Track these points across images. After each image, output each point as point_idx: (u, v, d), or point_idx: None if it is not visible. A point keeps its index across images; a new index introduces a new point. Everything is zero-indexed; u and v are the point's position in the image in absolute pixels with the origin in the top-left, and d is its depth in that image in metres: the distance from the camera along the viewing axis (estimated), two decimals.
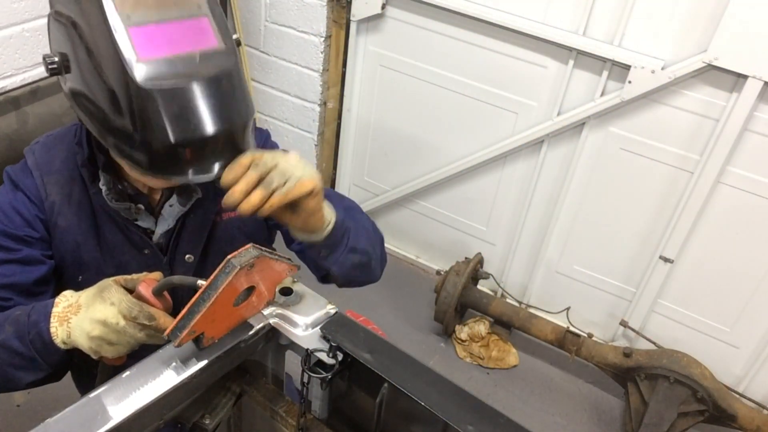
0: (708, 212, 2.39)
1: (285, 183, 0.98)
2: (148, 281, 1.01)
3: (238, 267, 0.92)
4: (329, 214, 1.11)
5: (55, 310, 1.00)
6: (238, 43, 1.04)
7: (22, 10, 2.13)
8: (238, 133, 1.00)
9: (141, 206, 1.21)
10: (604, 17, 2.29)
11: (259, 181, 0.96)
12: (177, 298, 1.06)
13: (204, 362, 0.97)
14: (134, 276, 1.03)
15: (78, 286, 1.17)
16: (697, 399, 2.32)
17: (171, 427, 1.07)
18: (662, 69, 2.22)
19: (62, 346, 0.99)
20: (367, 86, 2.94)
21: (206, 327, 0.94)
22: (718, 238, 2.42)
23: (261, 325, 1.04)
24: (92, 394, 0.90)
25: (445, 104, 2.76)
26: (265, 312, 1.06)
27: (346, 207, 1.23)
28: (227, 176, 0.96)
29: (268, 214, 0.98)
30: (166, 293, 1.02)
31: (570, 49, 2.37)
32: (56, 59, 1.00)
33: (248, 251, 0.95)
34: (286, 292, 1.09)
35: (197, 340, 0.96)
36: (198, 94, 0.94)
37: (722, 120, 2.21)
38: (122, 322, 0.95)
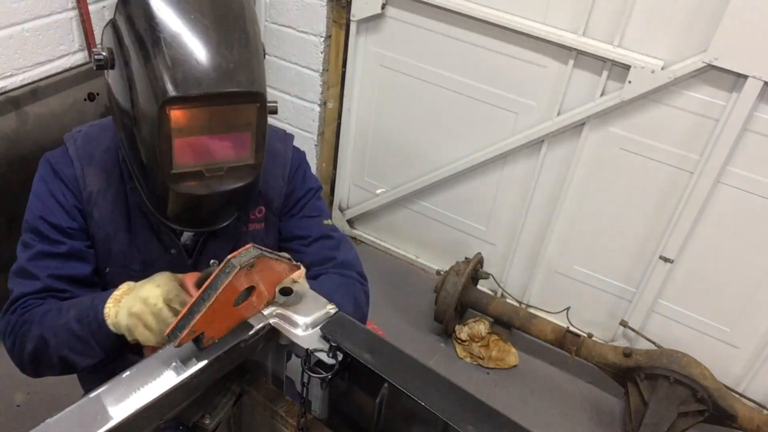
0: (708, 212, 2.39)
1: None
2: (194, 274, 1.12)
3: (238, 267, 0.92)
4: None
5: (115, 293, 1.11)
6: (274, 111, 1.13)
7: (22, 10, 2.13)
8: (242, 210, 1.20)
9: None
10: (604, 17, 2.29)
11: None
12: None
13: (204, 362, 0.97)
14: (188, 274, 1.14)
15: (104, 277, 1.29)
16: (697, 399, 2.32)
17: (171, 427, 1.07)
18: (662, 69, 2.22)
19: (112, 329, 1.08)
20: (367, 86, 2.94)
21: (206, 327, 0.95)
22: (718, 238, 2.42)
23: (261, 325, 1.04)
24: (92, 394, 0.90)
25: (445, 104, 2.76)
26: (265, 312, 1.06)
27: (337, 271, 1.36)
28: None
29: None
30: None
31: (570, 49, 2.37)
32: (104, 54, 1.10)
33: (248, 251, 0.96)
34: (286, 292, 1.09)
35: (197, 340, 0.96)
36: (212, 201, 1.11)
37: (722, 120, 2.21)
38: (160, 304, 1.03)
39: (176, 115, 1.00)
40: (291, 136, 1.44)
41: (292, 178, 1.40)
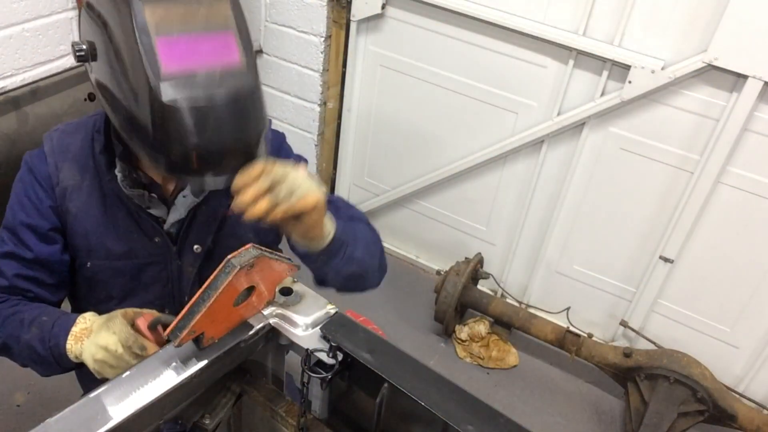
0: (708, 212, 2.39)
1: (291, 196, 1.02)
2: (146, 316, 1.11)
3: (238, 267, 0.92)
4: (330, 227, 1.16)
5: (74, 329, 1.12)
6: (259, 50, 1.09)
7: (22, 10, 2.13)
8: (252, 145, 1.04)
9: (154, 195, 1.24)
10: (604, 17, 2.29)
11: (268, 191, 1.01)
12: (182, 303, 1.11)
13: (204, 362, 0.97)
14: (136, 310, 1.13)
15: (86, 272, 1.29)
16: (697, 399, 2.32)
17: (171, 428, 1.07)
18: (662, 69, 2.22)
19: (75, 360, 1.12)
20: (367, 86, 2.94)
21: (206, 327, 0.95)
22: (718, 238, 2.42)
23: (261, 325, 1.04)
24: (92, 394, 0.90)
25: (445, 104, 2.76)
26: (265, 312, 1.07)
27: (350, 217, 1.29)
28: (238, 182, 1.01)
29: (272, 221, 1.02)
30: (159, 328, 1.08)
31: (570, 49, 2.37)
32: (84, 47, 1.06)
33: (248, 251, 0.96)
34: (286, 292, 1.10)
35: (197, 340, 0.96)
36: (216, 112, 0.98)
37: (722, 120, 2.21)
38: (120, 350, 1.04)
39: (151, 11, 0.97)
40: (268, 120, 1.41)
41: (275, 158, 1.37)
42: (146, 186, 1.24)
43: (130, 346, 1.05)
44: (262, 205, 1.00)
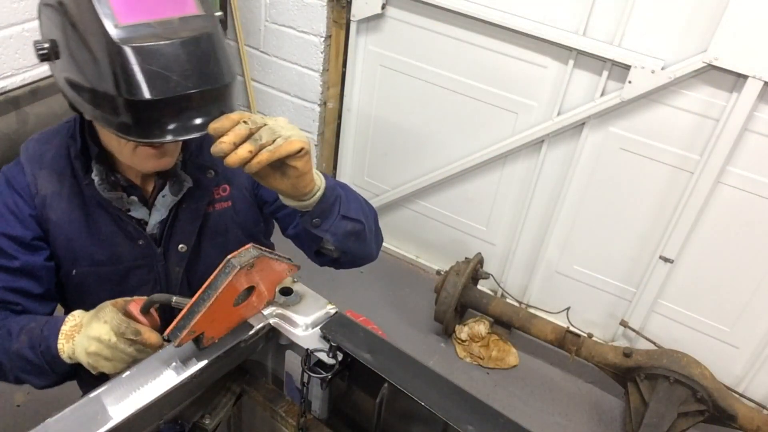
0: (708, 212, 2.39)
1: (274, 141, 0.98)
2: (137, 301, 1.08)
3: (238, 267, 0.92)
4: (318, 180, 1.12)
5: (63, 327, 1.09)
6: (222, 21, 1.07)
7: (22, 10, 2.13)
8: (219, 93, 1.01)
9: (134, 197, 1.23)
10: (604, 17, 2.29)
11: (248, 137, 0.97)
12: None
13: (204, 362, 0.97)
14: (127, 299, 1.10)
15: (73, 280, 1.27)
16: (697, 399, 2.32)
17: (171, 428, 1.07)
18: (662, 69, 2.22)
19: (68, 361, 1.09)
20: (367, 86, 2.94)
21: (206, 327, 0.95)
22: (718, 238, 2.42)
23: (261, 325, 1.04)
24: (92, 394, 0.90)
25: (445, 104, 2.76)
26: (265, 312, 1.06)
27: (336, 182, 1.24)
28: (215, 125, 0.97)
29: (256, 170, 0.98)
30: (153, 311, 1.07)
31: (570, 49, 2.37)
32: (46, 45, 1.04)
33: (248, 251, 0.96)
34: (286, 292, 1.10)
35: (197, 340, 0.96)
36: (175, 52, 0.96)
37: (722, 120, 2.21)
38: (114, 338, 1.01)
39: None
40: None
41: None
42: (125, 189, 1.23)
43: (123, 333, 1.02)
44: (242, 150, 0.95)
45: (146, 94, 0.95)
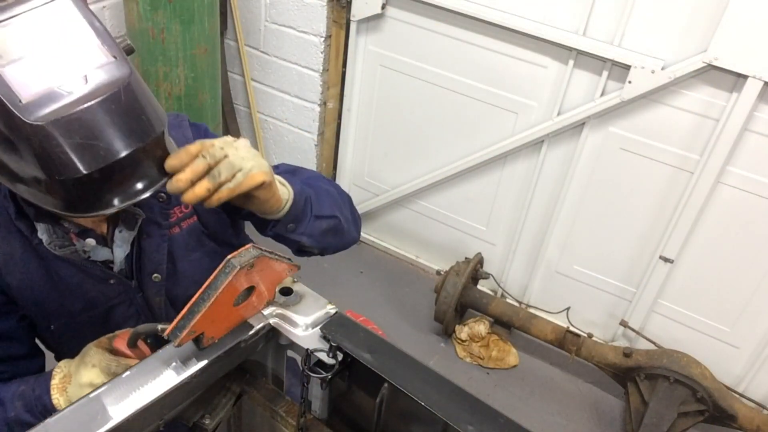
0: (708, 212, 2.39)
1: (234, 176, 0.95)
2: (122, 335, 1.06)
3: (238, 267, 0.92)
4: (285, 193, 1.09)
5: (53, 382, 1.06)
6: (130, 50, 0.96)
7: None
8: (153, 146, 0.93)
9: (91, 240, 1.15)
10: (604, 17, 2.29)
11: (207, 171, 0.93)
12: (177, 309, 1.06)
13: (204, 362, 0.97)
14: (110, 336, 1.07)
15: (53, 334, 1.22)
16: (697, 399, 2.32)
17: (171, 427, 1.07)
18: (662, 69, 2.22)
19: None
20: (367, 86, 2.94)
21: (206, 327, 0.95)
22: (718, 238, 2.42)
23: (261, 325, 1.04)
24: (92, 394, 0.90)
25: (445, 104, 2.76)
26: (265, 312, 1.06)
27: (305, 179, 1.21)
28: (171, 161, 0.92)
29: (216, 206, 0.96)
30: (140, 342, 1.05)
31: (570, 49, 2.37)
32: None
33: (248, 251, 0.95)
34: (286, 292, 1.09)
35: (197, 340, 0.96)
36: (95, 117, 0.86)
37: (722, 120, 2.21)
38: (106, 380, 0.98)
39: None
40: (184, 117, 1.28)
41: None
42: (79, 234, 1.14)
43: (114, 372, 1.00)
44: (200, 189, 0.91)
45: (80, 170, 0.86)
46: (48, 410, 1.04)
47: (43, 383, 1.07)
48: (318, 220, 1.16)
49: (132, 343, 1.05)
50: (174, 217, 1.22)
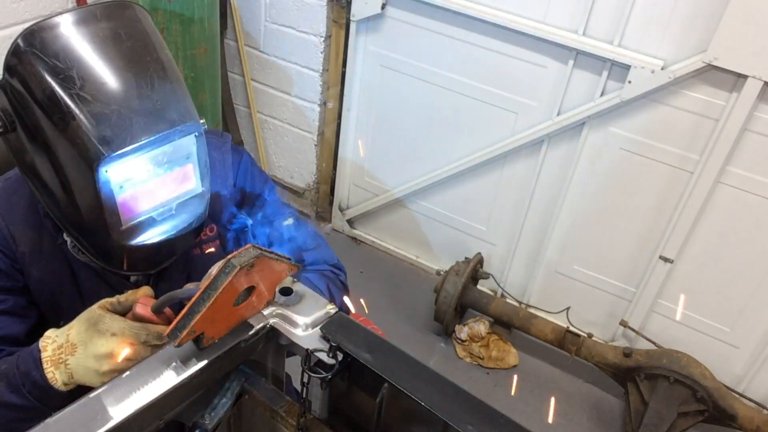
0: (708, 212, 2.39)
1: None
2: (143, 300, 1.02)
3: (238, 267, 0.92)
4: None
5: (44, 355, 0.99)
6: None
7: (22, 10, 2.13)
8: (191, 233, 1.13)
9: None
10: (604, 17, 2.29)
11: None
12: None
13: (204, 362, 0.96)
14: (120, 298, 1.02)
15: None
16: (697, 399, 2.32)
17: (171, 427, 1.07)
18: (662, 69, 2.22)
19: (63, 388, 0.99)
20: (367, 86, 2.94)
21: (206, 327, 0.94)
22: (718, 238, 2.42)
23: (261, 325, 1.04)
24: (92, 394, 0.90)
25: (445, 104, 2.76)
26: (265, 312, 1.06)
27: (305, 276, 1.29)
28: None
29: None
30: (167, 308, 1.03)
31: (570, 49, 2.37)
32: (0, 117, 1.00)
33: (248, 251, 0.95)
34: (286, 292, 1.09)
35: (197, 340, 0.96)
36: (169, 241, 1.07)
37: (722, 120, 2.21)
38: (130, 351, 0.96)
39: (114, 173, 0.94)
40: (227, 137, 1.35)
41: (241, 181, 1.32)
42: None
43: (145, 341, 0.96)
44: None
45: (131, 269, 1.10)
46: (38, 386, 0.98)
47: (28, 358, 0.99)
48: None
49: (158, 310, 1.01)
50: (201, 238, 1.26)
